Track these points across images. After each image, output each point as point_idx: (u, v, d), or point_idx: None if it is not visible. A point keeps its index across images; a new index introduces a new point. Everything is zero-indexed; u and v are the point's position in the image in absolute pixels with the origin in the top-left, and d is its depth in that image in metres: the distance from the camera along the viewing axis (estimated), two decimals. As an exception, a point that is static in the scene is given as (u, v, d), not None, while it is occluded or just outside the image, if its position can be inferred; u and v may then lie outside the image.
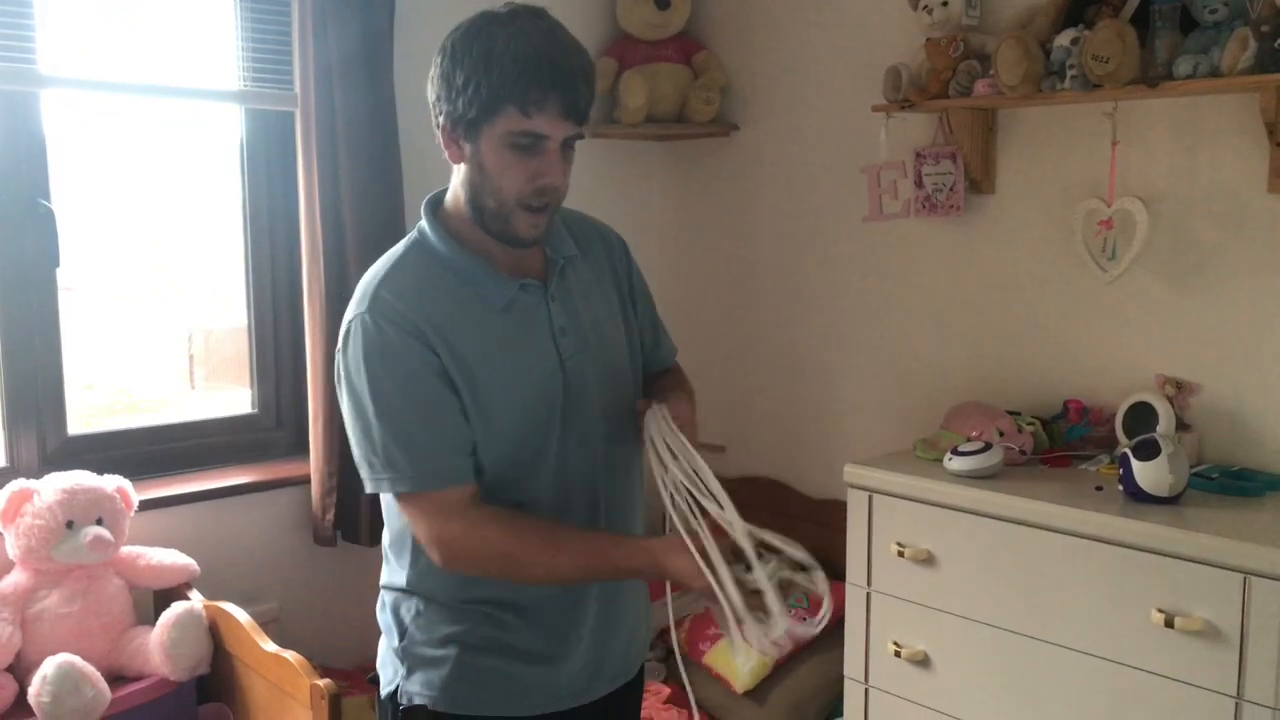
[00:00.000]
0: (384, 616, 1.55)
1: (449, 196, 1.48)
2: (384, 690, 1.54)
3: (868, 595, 2.37)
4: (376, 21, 2.66)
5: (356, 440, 1.42)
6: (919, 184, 2.64)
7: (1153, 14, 2.12)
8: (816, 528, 2.93)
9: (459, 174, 1.44)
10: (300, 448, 2.79)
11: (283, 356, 2.88)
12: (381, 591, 1.57)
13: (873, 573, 2.36)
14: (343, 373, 1.42)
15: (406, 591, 1.50)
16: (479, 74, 1.34)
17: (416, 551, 1.47)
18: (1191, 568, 1.88)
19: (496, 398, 1.42)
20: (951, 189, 2.59)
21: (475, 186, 1.41)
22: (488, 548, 1.40)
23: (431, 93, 1.42)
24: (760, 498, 3.09)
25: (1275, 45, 1.96)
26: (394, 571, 1.53)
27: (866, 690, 2.39)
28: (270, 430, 2.90)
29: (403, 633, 1.51)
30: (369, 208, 2.67)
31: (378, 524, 2.69)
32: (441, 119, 1.41)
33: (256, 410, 2.90)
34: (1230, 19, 2.06)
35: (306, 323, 2.70)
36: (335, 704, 1.93)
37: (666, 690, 2.73)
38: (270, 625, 2.41)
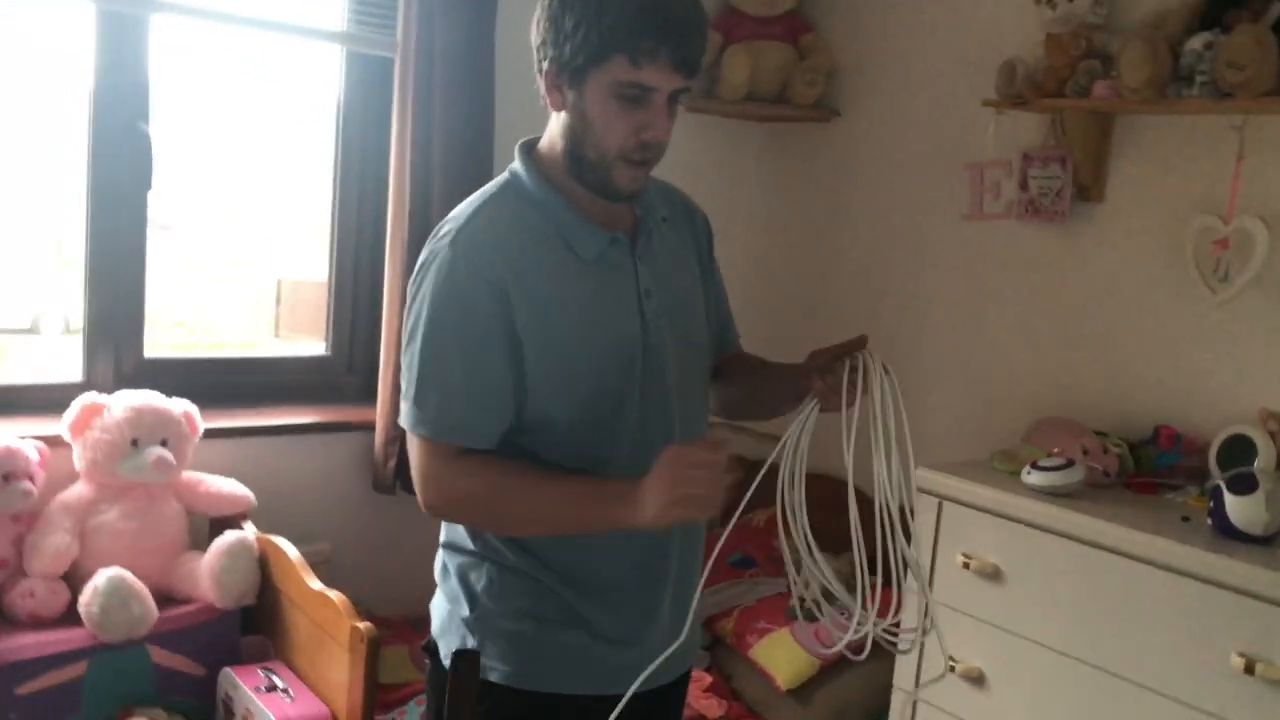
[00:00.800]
0: (448, 583, 1.49)
1: (544, 142, 1.45)
2: (448, 660, 1.46)
3: (927, 604, 2.28)
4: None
5: (404, 369, 1.41)
6: (1024, 186, 2.53)
7: (1298, 22, 1.99)
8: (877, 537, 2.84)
9: (558, 121, 1.40)
10: (369, 394, 2.79)
11: (360, 304, 2.88)
12: (442, 553, 1.52)
13: (934, 581, 2.27)
14: (411, 300, 1.40)
15: (475, 556, 1.45)
16: (589, 19, 1.30)
17: None
18: (1278, 613, 1.76)
19: (573, 350, 1.38)
20: (1058, 194, 2.48)
21: (576, 136, 1.37)
22: (474, 493, 1.37)
23: (536, 36, 1.38)
24: (825, 496, 3.00)
25: None
26: (457, 533, 1.48)
27: (915, 703, 2.31)
28: (341, 374, 2.91)
29: (473, 602, 1.44)
30: (458, 161, 2.66)
31: None
32: (546, 64, 1.36)
33: (330, 354, 2.92)
34: (1383, 34, 1.92)
35: (386, 272, 2.70)
36: (374, 649, 1.92)
37: (709, 679, 2.68)
38: (321, 566, 2.41)
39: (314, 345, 2.93)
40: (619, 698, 1.32)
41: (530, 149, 1.47)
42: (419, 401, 1.36)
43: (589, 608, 1.43)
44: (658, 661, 1.33)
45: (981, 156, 2.56)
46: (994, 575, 2.15)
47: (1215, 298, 2.23)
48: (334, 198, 2.84)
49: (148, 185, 2.50)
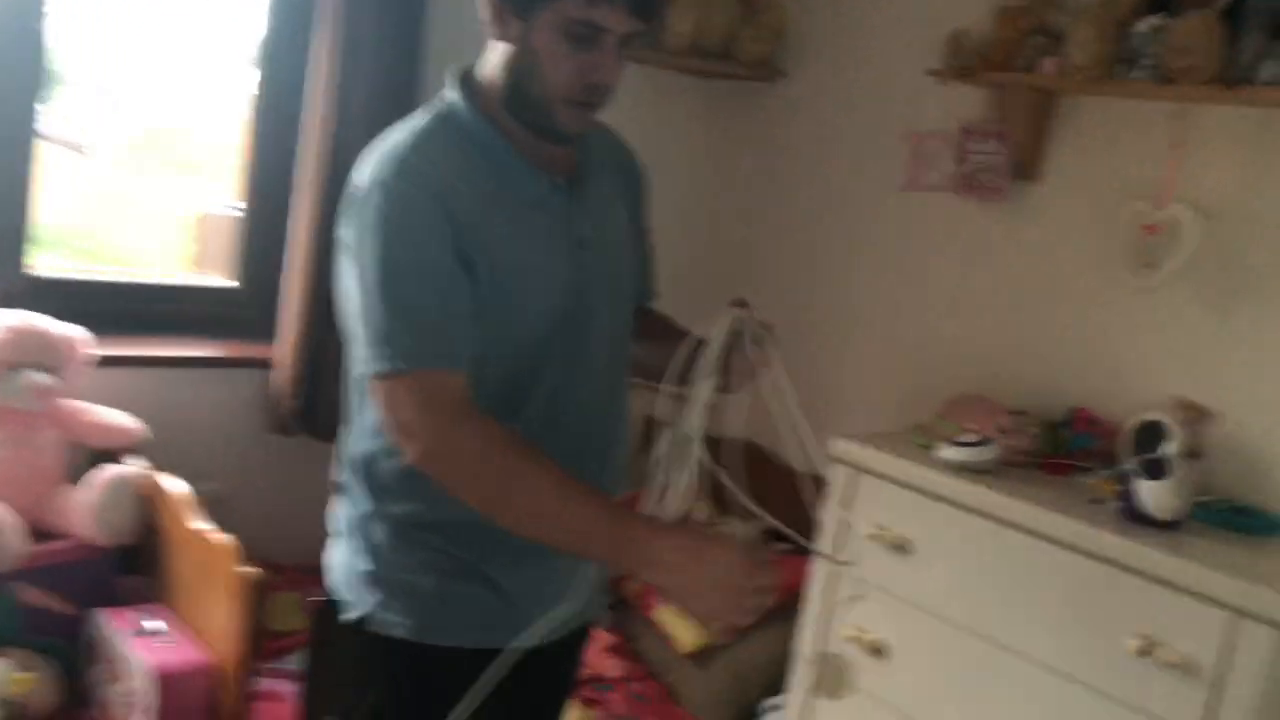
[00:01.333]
0: (346, 536, 1.41)
1: (484, 74, 1.35)
2: (349, 615, 1.39)
3: (835, 574, 2.26)
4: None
5: (356, 314, 1.28)
6: (962, 161, 2.50)
7: (1246, 11, 1.97)
8: (793, 501, 2.81)
9: (500, 52, 1.32)
10: (272, 331, 2.66)
11: (273, 239, 2.74)
12: (339, 503, 1.43)
13: (844, 552, 2.24)
14: (350, 241, 1.28)
15: (374, 508, 1.37)
16: None
17: (392, 459, 1.33)
18: (1179, 598, 1.77)
19: (509, 291, 1.30)
20: (995, 171, 2.45)
21: (520, 70, 1.29)
22: (488, 455, 1.23)
23: None
24: (737, 462, 2.97)
25: (1372, 62, 1.81)
26: (359, 486, 1.39)
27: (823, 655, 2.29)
28: (246, 307, 2.77)
29: (374, 556, 1.37)
30: (382, 93, 2.54)
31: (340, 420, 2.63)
32: None
33: (239, 284, 2.77)
34: (1328, 29, 1.91)
35: (298, 207, 2.57)
36: (259, 595, 1.82)
37: (610, 639, 2.63)
38: (212, 506, 2.30)
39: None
40: (525, 650, 1.31)
41: (466, 77, 1.37)
42: (391, 337, 1.24)
43: (492, 563, 1.37)
44: (550, 616, 1.31)
45: (923, 127, 2.52)
46: (904, 548, 2.14)
47: (1140, 283, 2.23)
48: (251, 129, 2.69)
49: (37, 92, 2.33)
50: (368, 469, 1.37)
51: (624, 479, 1.48)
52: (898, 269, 2.74)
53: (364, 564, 1.38)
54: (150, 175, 2.84)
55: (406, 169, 1.27)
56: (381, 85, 2.53)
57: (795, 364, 3.17)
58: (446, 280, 1.26)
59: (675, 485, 1.29)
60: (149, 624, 1.97)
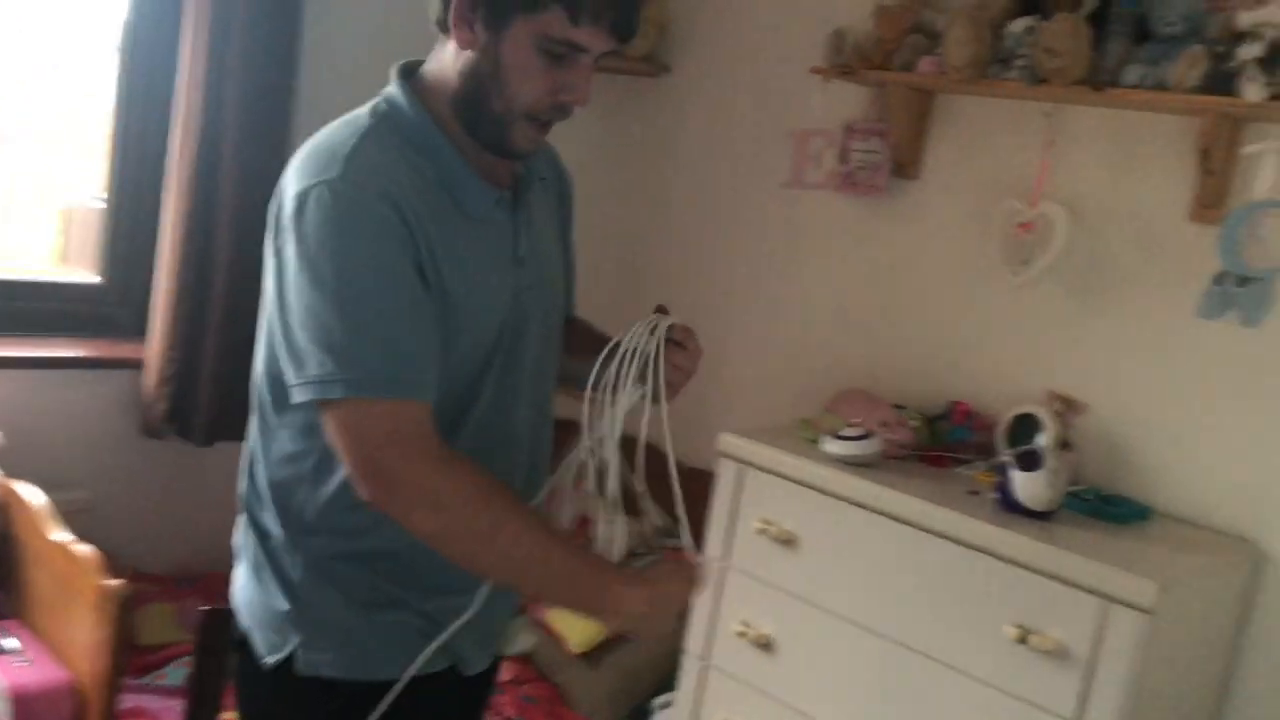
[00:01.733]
0: (258, 570, 1.30)
1: (433, 74, 1.26)
2: (268, 658, 1.28)
3: (724, 570, 2.27)
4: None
5: (300, 329, 1.14)
6: (844, 158, 2.53)
7: (1110, 17, 2.04)
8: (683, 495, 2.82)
9: (458, 58, 1.22)
10: (141, 329, 2.54)
11: (139, 232, 2.62)
12: (247, 530, 1.33)
13: (733, 546, 2.25)
14: (291, 251, 1.15)
15: (289, 539, 1.26)
16: None
17: (313, 490, 1.23)
18: (1052, 586, 1.82)
19: (458, 319, 1.22)
20: (876, 168, 2.49)
21: (481, 81, 1.20)
22: (473, 502, 1.15)
23: None
24: (628, 459, 2.97)
25: (1226, 67, 1.89)
26: (271, 516, 1.28)
27: (705, 667, 2.30)
28: (113, 306, 2.65)
29: (294, 595, 1.27)
30: (256, 84, 2.45)
31: (220, 422, 2.53)
32: None
33: (103, 282, 2.64)
34: (1186, 35, 1.98)
35: (167, 199, 2.46)
36: (125, 609, 1.73)
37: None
38: (78, 515, 2.18)
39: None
40: (453, 672, 1.31)
41: (411, 75, 1.27)
42: (354, 358, 1.12)
43: (416, 592, 1.29)
44: (444, 636, 1.26)
45: (807, 124, 2.54)
46: (790, 542, 2.15)
47: (1015, 280, 2.29)
48: (115, 120, 2.57)
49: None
50: (282, 499, 1.27)
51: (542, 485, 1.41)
52: (783, 265, 2.77)
53: (281, 603, 1.27)
54: (12, 165, 2.67)
55: (353, 168, 1.16)
56: (257, 73, 2.45)
57: (682, 360, 3.10)
58: (409, 296, 1.16)
59: (617, 528, 1.28)
60: (3, 642, 1.86)
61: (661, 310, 1.35)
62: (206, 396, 2.52)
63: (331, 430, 1.15)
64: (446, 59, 1.24)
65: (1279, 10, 1.82)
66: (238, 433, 2.52)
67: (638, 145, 3.08)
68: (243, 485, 1.33)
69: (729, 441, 2.26)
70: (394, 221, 1.15)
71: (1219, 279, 1.94)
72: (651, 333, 1.29)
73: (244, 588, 1.33)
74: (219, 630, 1.25)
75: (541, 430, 1.39)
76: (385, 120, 1.23)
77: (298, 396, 1.16)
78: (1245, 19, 1.86)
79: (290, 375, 1.16)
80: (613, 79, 3.11)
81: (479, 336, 1.25)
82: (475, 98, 1.21)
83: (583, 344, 1.43)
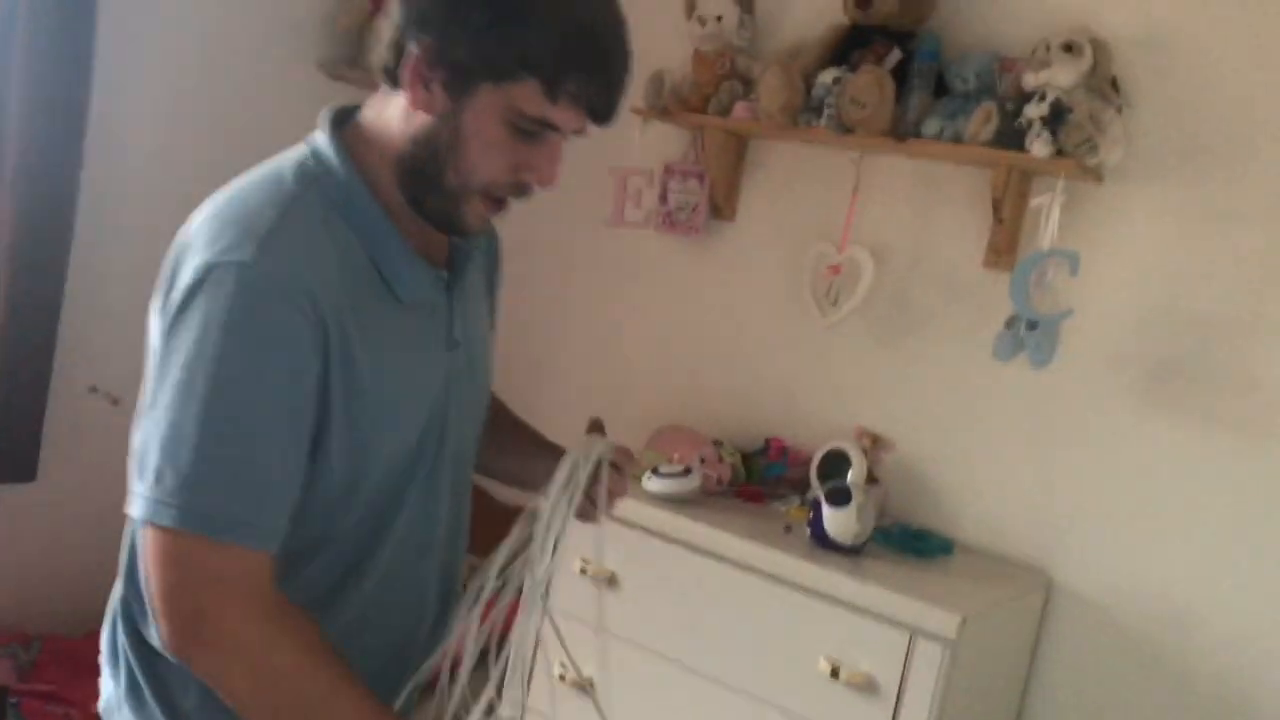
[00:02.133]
0: (134, 692, 1.11)
1: (374, 132, 1.09)
2: None
3: (545, 599, 2.23)
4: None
5: (159, 428, 0.99)
6: (664, 198, 2.57)
7: (911, 71, 2.15)
8: (500, 534, 2.77)
9: (409, 120, 1.06)
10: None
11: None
12: (120, 643, 1.13)
13: (551, 588, 2.22)
14: (175, 331, 1.00)
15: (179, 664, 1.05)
16: (509, 21, 1.01)
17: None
18: (862, 620, 1.87)
19: (391, 414, 1.08)
20: (694, 209, 2.53)
21: (435, 149, 1.05)
22: (292, 664, 1.00)
23: (417, 3, 1.04)
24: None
25: (1015, 124, 2.01)
26: (146, 622, 1.09)
27: (523, 712, 2.24)
28: None
29: None
30: (42, 105, 2.27)
31: (52, 458, 2.32)
32: (417, 46, 1.03)
33: None
34: (979, 91, 2.11)
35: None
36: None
37: None
38: None
39: None
40: None
41: (342, 125, 1.10)
42: (196, 483, 0.97)
43: None
44: None
45: (626, 164, 2.57)
46: (610, 581, 2.14)
47: (824, 320, 2.36)
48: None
49: None
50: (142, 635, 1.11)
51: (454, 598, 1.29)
52: (604, 302, 2.78)
53: None
54: None
55: (269, 255, 0.99)
56: (45, 90, 2.27)
57: (508, 395, 3.13)
58: (288, 429, 1.01)
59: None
60: None
61: (597, 427, 1.29)
62: (34, 429, 2.33)
63: (149, 555, 1.00)
64: (391, 115, 1.07)
65: (1059, 73, 1.95)
66: (17, 475, 2.35)
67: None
68: (119, 584, 1.15)
69: (548, 480, 2.23)
70: (302, 327, 0.99)
71: (1010, 323, 2.06)
72: (588, 458, 1.22)
73: (115, 708, 1.13)
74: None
75: (458, 535, 1.26)
76: (313, 186, 1.06)
77: (129, 506, 1.01)
78: (1030, 79, 1.99)
79: (131, 476, 1.02)
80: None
81: (410, 424, 1.12)
82: (426, 168, 1.06)
83: (506, 440, 1.35)
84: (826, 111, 2.19)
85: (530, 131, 1.06)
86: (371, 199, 1.08)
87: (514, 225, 2.89)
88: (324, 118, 1.11)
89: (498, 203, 1.11)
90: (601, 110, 1.08)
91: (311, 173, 1.07)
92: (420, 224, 1.11)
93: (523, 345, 2.90)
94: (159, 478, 0.99)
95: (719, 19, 2.39)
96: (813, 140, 2.31)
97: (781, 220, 2.49)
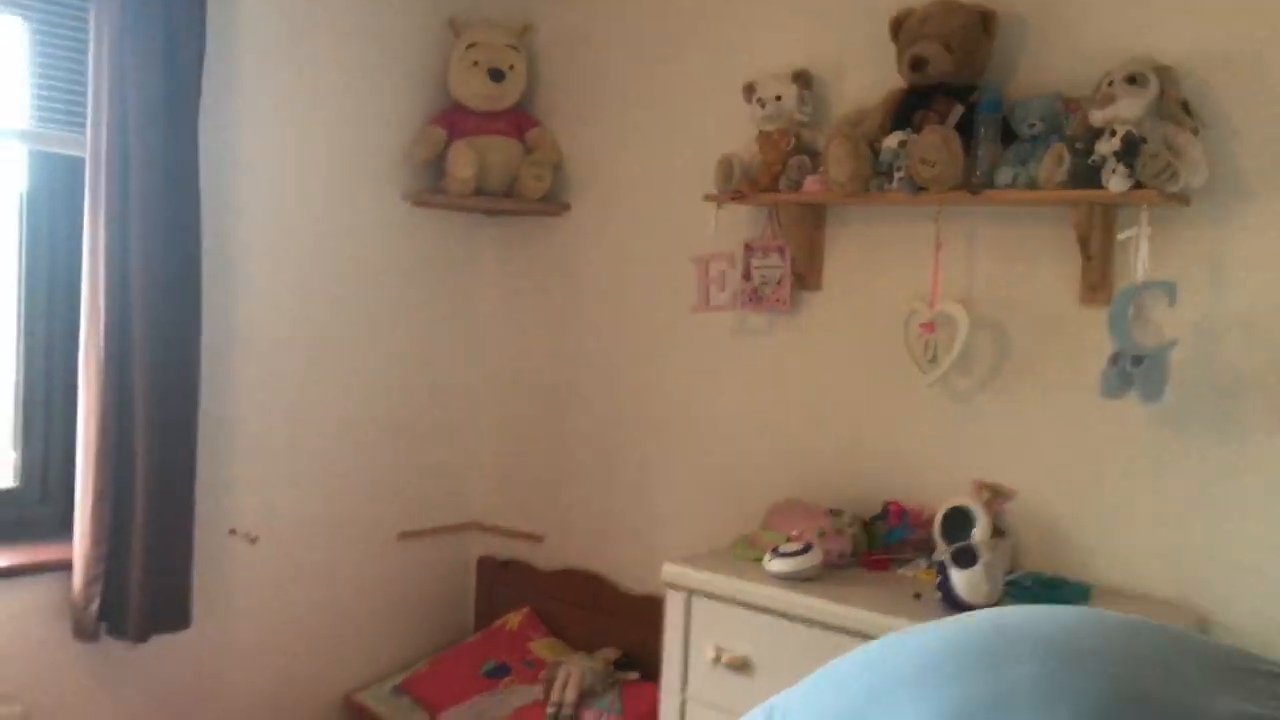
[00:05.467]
0: None
1: None
2: None
3: (683, 702, 2.25)
4: (183, 68, 2.46)
5: None
6: (747, 276, 2.61)
7: (976, 123, 2.16)
8: (634, 625, 2.80)
9: None
10: (66, 527, 2.48)
11: (53, 423, 2.58)
12: None
13: (689, 677, 2.24)
14: None
15: None
16: None
17: None
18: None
19: None
20: (778, 283, 2.56)
21: None
22: None
23: None
24: (578, 592, 2.95)
25: (1089, 162, 2.00)
26: None
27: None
28: (33, 506, 2.59)
29: None
30: (160, 270, 2.45)
31: (153, 616, 2.47)
32: None
33: (18, 484, 2.59)
34: (1047, 134, 2.11)
35: (81, 390, 2.44)
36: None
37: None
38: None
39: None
40: None
41: None
42: None
43: None
44: None
45: (706, 248, 2.62)
46: (744, 667, 2.15)
47: (926, 378, 2.35)
48: (19, 309, 2.55)
49: None
50: None
51: None
52: (700, 387, 2.81)
53: None
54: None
55: None
56: (160, 254, 2.44)
57: (614, 491, 3.18)
58: None
59: None
60: None
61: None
62: (138, 589, 2.46)
63: None
64: None
65: (1125, 106, 1.94)
66: (172, 624, 2.49)
67: (549, 282, 3.14)
68: None
69: (673, 570, 2.26)
70: None
71: (1114, 359, 2.02)
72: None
73: None
74: None
75: None
76: None
77: None
78: (1097, 116, 1.98)
79: None
80: (516, 220, 3.19)
81: None
82: None
83: None
84: (897, 175, 2.21)
85: None
86: None
87: (602, 318, 2.99)
88: None
89: None
90: None
91: None
92: None
93: (624, 436, 2.96)
94: None
95: (778, 99, 2.45)
96: (887, 202, 2.32)
97: (869, 284, 2.50)
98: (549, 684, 2.69)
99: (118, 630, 2.46)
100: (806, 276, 2.55)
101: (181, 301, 2.49)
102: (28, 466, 2.59)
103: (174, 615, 2.52)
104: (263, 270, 2.75)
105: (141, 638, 2.47)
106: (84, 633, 2.45)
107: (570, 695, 2.63)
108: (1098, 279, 2.13)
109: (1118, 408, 2.11)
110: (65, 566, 2.45)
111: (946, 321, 2.30)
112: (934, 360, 2.33)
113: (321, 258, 2.86)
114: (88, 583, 2.43)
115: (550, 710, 2.63)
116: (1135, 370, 1.99)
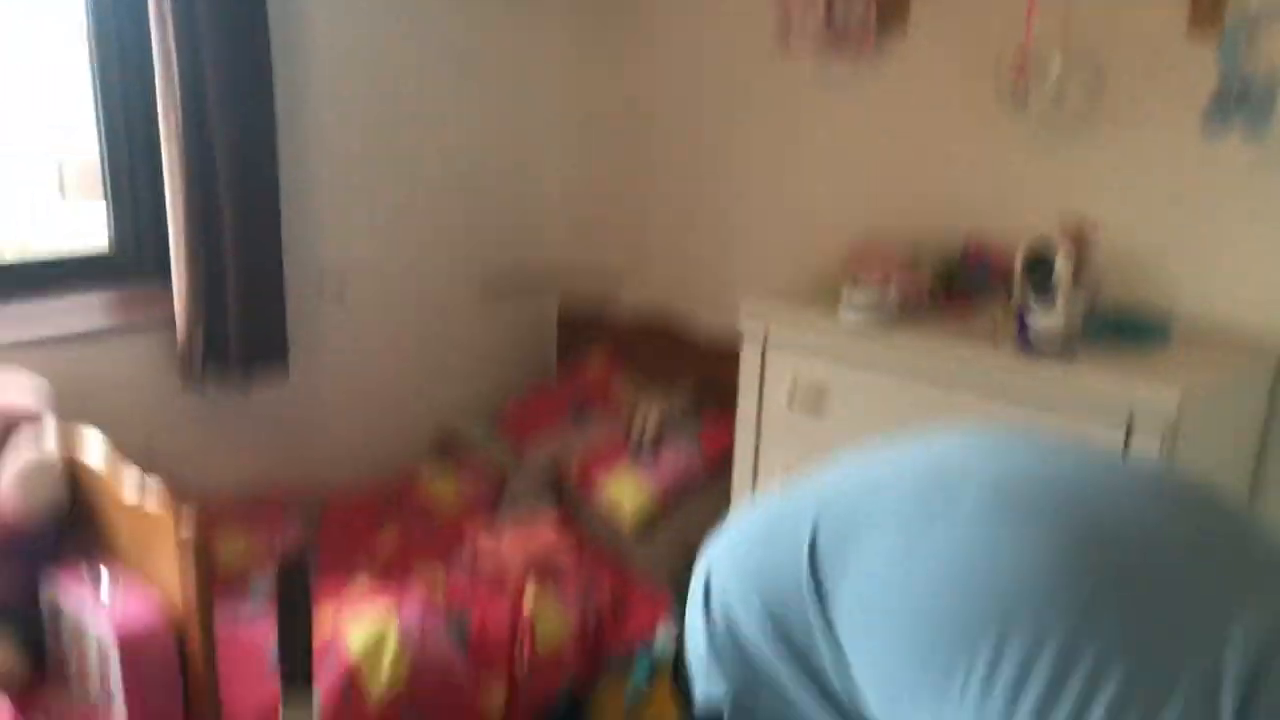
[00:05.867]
0: None
1: None
2: None
3: (757, 441, 2.34)
4: None
5: None
6: (829, 18, 2.49)
7: None
8: (712, 365, 2.87)
9: None
10: (165, 285, 2.57)
11: (139, 183, 2.63)
12: None
13: (763, 418, 2.32)
14: None
15: None
16: None
17: None
18: (1075, 421, 1.84)
19: None
20: (862, 24, 2.45)
21: None
22: None
23: None
24: (657, 334, 3.03)
25: None
26: None
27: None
28: (130, 266, 2.68)
29: None
30: (227, 11, 2.41)
31: (254, 363, 2.60)
32: None
33: (114, 249, 2.67)
34: None
35: (164, 154, 2.47)
36: (204, 559, 1.83)
37: (557, 521, 2.69)
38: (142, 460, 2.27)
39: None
40: None
41: None
42: None
43: None
44: None
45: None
46: (817, 409, 2.20)
47: (1016, 118, 2.27)
48: (92, 73, 2.55)
49: None
50: None
51: None
52: (782, 129, 2.75)
53: None
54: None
55: None
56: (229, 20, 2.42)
57: (693, 232, 3.19)
58: None
59: None
60: (103, 587, 1.94)
61: None
62: (236, 340, 2.58)
63: None
64: None
65: None
66: (271, 373, 2.62)
67: (623, 23, 3.04)
68: None
69: (751, 307, 2.30)
70: None
71: (1219, 96, 1.92)
72: None
73: None
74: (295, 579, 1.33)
75: None
76: None
77: None
78: None
79: None
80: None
81: None
82: None
83: None
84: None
85: None
86: None
87: (681, 64, 2.90)
88: None
89: None
90: None
91: None
92: None
93: (705, 180, 2.94)
94: None
95: None
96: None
97: (956, 24, 2.37)
98: (629, 420, 2.82)
99: (221, 379, 2.61)
100: (890, 20, 2.43)
101: (251, 57, 2.46)
102: (120, 230, 2.66)
103: (273, 364, 2.65)
104: (334, 12, 2.71)
105: (244, 387, 2.62)
106: (191, 383, 2.60)
107: (650, 431, 2.76)
108: (1208, 9, 1.99)
109: (1217, 149, 2.03)
110: (169, 324, 2.57)
111: (1039, 62, 2.19)
112: (1025, 99, 2.24)
113: (394, 3, 2.80)
114: (190, 336, 2.55)
115: (631, 445, 2.77)
116: (1240, 106, 1.89)
